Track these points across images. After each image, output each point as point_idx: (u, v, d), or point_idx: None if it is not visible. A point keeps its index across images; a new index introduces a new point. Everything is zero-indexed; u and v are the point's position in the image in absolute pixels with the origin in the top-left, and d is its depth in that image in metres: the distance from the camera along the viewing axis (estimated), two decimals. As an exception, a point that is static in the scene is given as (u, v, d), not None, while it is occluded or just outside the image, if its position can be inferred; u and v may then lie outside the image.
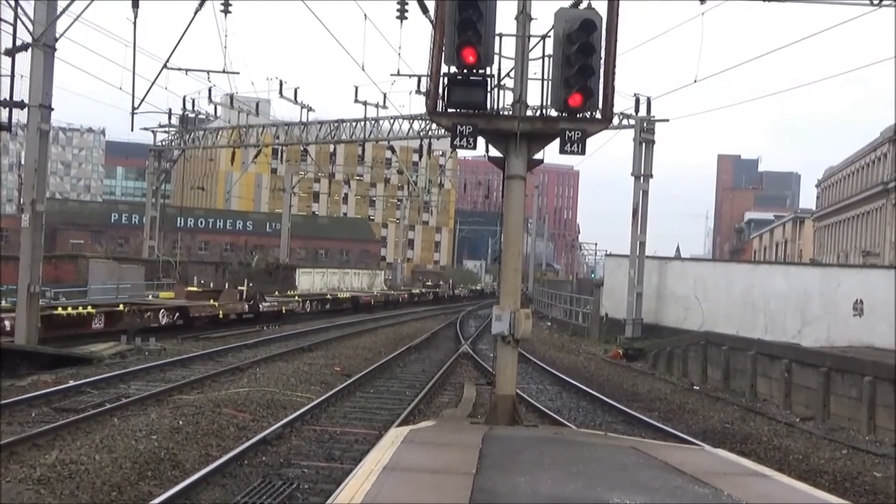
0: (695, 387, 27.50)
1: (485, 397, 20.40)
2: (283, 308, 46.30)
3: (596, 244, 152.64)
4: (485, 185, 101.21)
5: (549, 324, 56.40)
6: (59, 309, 30.24)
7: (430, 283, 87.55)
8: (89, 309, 31.04)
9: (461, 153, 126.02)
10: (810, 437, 19.34)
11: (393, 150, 58.57)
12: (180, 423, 15.76)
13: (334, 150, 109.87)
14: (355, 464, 11.27)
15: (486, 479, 8.27)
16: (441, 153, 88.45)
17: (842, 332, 33.13)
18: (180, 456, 13.46)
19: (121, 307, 33.06)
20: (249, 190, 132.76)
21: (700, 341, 29.78)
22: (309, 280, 63.50)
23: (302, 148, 60.23)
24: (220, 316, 38.99)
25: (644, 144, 39.71)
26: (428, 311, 66.59)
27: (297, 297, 51.19)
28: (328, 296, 57.21)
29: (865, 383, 20.22)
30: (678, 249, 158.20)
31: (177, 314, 36.24)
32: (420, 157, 52.46)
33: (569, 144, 13.67)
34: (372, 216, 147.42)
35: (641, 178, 39.47)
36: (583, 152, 13.76)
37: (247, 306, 42.11)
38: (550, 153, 14.53)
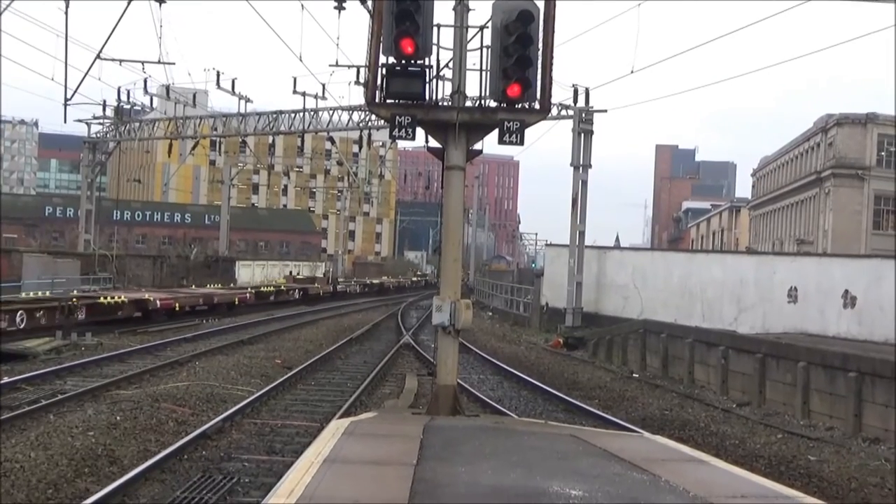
0: (634, 374, 27.80)
1: (426, 388, 20.43)
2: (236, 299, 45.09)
3: (536, 234, 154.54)
4: (425, 175, 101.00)
5: (490, 314, 56.58)
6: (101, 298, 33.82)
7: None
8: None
9: (401, 144, 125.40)
10: (746, 423, 19.68)
11: (332, 142, 58.06)
12: (118, 418, 15.57)
13: (273, 141, 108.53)
14: (296, 457, 11.23)
15: (427, 469, 8.28)
16: (381, 144, 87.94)
17: (777, 319, 33.70)
18: (118, 452, 13.30)
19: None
20: (187, 182, 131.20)
21: (639, 329, 30.14)
22: (249, 273, 62.97)
23: (240, 139, 59.53)
24: (177, 308, 38.36)
25: (583, 135, 39.98)
26: (370, 302, 66.44)
27: (249, 290, 49.88)
28: (270, 287, 56.39)
29: (799, 369, 20.63)
30: (617, 239, 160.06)
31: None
32: (360, 148, 51.91)
33: (508, 135, 13.72)
34: (312, 208, 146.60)
35: (580, 169, 39.74)
36: (522, 143, 13.81)
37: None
38: (490, 144, 14.59)
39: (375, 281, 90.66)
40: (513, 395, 22.34)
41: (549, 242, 51.48)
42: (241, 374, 22.58)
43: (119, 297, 35.26)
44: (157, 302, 37.30)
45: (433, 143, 14.47)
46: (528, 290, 50.00)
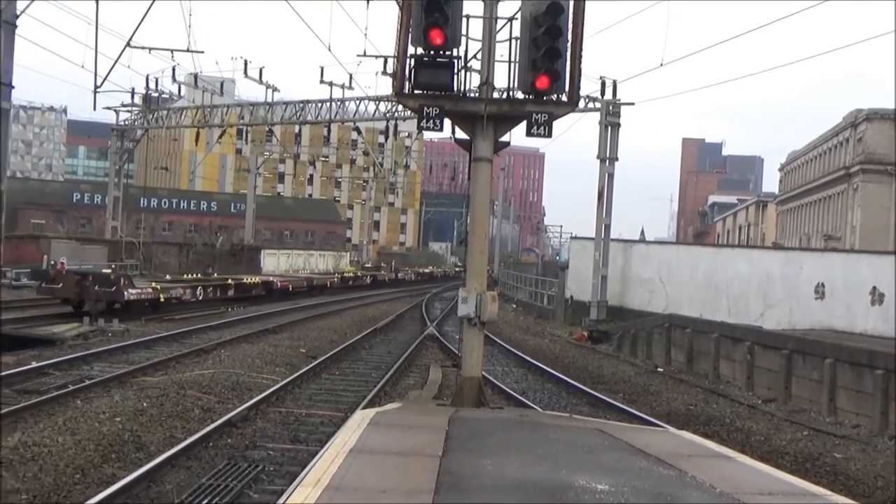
0: (659, 369, 27.72)
1: (451, 379, 20.43)
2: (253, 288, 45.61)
3: (561, 227, 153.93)
4: (451, 166, 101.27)
5: (514, 306, 56.56)
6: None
7: (369, 266, 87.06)
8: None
9: (427, 135, 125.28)
10: (772, 419, 19.56)
11: (359, 132, 58.30)
12: (144, 405, 15.67)
13: (299, 130, 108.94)
14: (321, 446, 11.28)
15: (453, 461, 8.28)
16: (407, 135, 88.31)
17: (803, 315, 33.45)
18: (144, 438, 13.37)
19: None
20: (214, 170, 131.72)
21: (664, 324, 30.01)
22: (274, 261, 63.19)
23: (267, 128, 59.81)
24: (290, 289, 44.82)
25: (609, 127, 39.87)
26: (393, 293, 66.55)
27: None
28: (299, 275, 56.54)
29: (826, 365, 20.47)
30: (643, 232, 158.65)
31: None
32: (386, 138, 52.17)
33: (535, 127, 13.68)
34: (337, 198, 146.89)
35: (607, 161, 39.64)
36: (549, 135, 13.76)
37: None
38: (517, 135, 14.57)
39: (425, 270, 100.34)
40: (537, 387, 22.34)
41: (574, 235, 51.33)
42: (265, 363, 22.66)
43: (254, 279, 47.46)
44: (278, 283, 48.74)
45: (460, 135, 14.45)
46: (552, 282, 49.94)
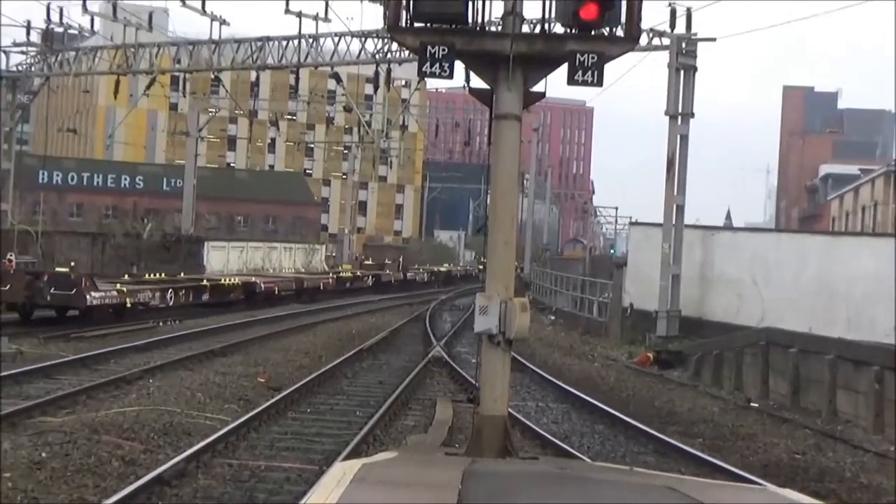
0: (752, 403, 27.73)
1: (465, 419, 20.57)
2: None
3: (616, 209, 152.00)
4: (464, 127, 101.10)
5: (552, 318, 56.65)
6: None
7: (370, 263, 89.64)
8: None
9: (431, 84, 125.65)
10: (911, 474, 19.48)
11: (338, 80, 57.92)
12: (43, 455, 15.69)
13: (257, 78, 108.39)
14: (287, 512, 11.26)
15: (468, 532, 8.25)
16: (404, 84, 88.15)
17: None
18: (43, 501, 13.36)
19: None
20: (139, 134, 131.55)
21: (759, 341, 29.94)
22: (222, 257, 63.33)
23: (212, 76, 59.79)
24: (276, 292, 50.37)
25: (682, 72, 39.75)
26: (386, 300, 66.72)
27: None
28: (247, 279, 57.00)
29: None
30: (729, 216, 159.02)
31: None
32: (375, 89, 52.14)
33: (580, 72, 13.64)
34: (309, 170, 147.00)
35: (679, 119, 39.53)
36: (599, 83, 13.75)
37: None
38: (555, 84, 14.50)
39: (440, 268, 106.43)
40: (584, 430, 22.43)
41: (633, 220, 51.36)
42: (210, 397, 22.77)
43: (233, 280, 52.35)
44: (262, 285, 53.81)
45: (477, 83, 14.47)
46: (604, 285, 49.95)
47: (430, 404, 23.92)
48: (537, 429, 21.16)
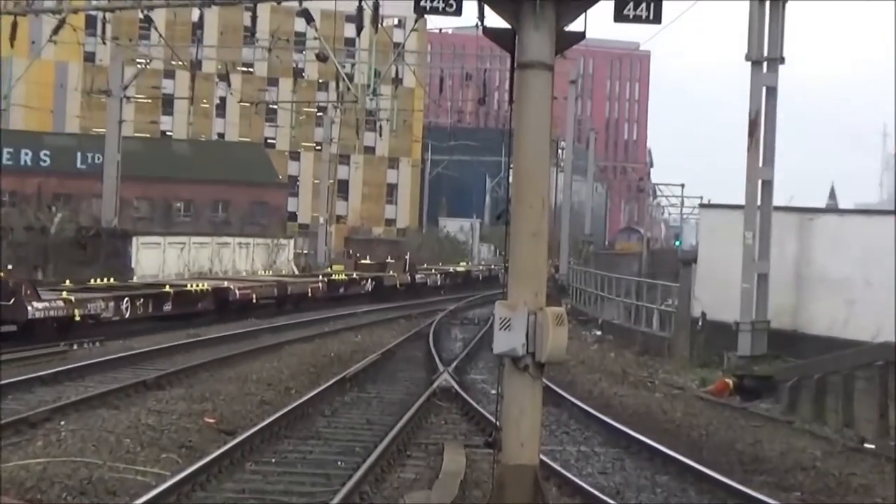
0: (866, 444, 27.62)
1: (482, 470, 20.76)
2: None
3: (682, 187, 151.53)
4: (477, 80, 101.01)
5: (598, 333, 56.96)
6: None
7: (365, 262, 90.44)
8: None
9: (433, 23, 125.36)
10: None
11: (308, 19, 57.66)
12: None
13: (201, 17, 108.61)
14: None
15: None
16: (397, 23, 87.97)
17: None
18: None
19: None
20: (45, 94, 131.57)
21: (875, 361, 29.77)
22: (156, 257, 63.63)
23: (142, 14, 59.43)
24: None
25: (768, 4, 39.41)
26: (376, 312, 66.95)
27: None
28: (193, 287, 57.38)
29: None
30: (833, 194, 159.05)
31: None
32: (359, 31, 51.59)
33: (631, 4, 13.81)
34: (272, 139, 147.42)
35: (764, 66, 39.23)
36: (657, 18, 13.92)
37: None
38: (599, 21, 14.48)
39: (457, 268, 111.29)
40: (642, 482, 22.47)
41: (705, 201, 51.14)
42: (142, 444, 22.75)
43: (202, 286, 54.08)
44: (237, 292, 56.47)
45: (494, 21, 14.47)
46: (667, 288, 50.29)
47: (436, 451, 23.94)
48: (579, 482, 21.07)
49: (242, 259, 72.77)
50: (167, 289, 52.17)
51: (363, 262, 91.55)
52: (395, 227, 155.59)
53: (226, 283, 58.10)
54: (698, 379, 38.61)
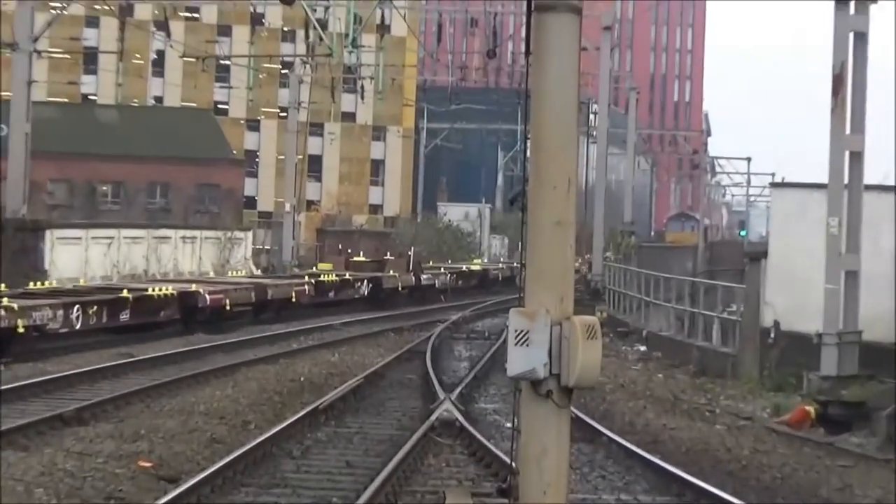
0: None
1: None
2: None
3: (749, 162, 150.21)
4: (485, 26, 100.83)
5: (642, 348, 56.94)
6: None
7: (358, 259, 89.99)
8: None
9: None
10: None
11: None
12: None
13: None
14: None
15: None
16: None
17: None
18: None
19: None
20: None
21: None
22: (76, 255, 63.42)
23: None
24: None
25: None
26: (359, 324, 66.83)
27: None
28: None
29: None
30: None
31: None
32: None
33: None
34: (223, 104, 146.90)
35: (852, 5, 39.40)
36: None
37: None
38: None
39: (472, 266, 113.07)
40: None
41: (777, 179, 51.35)
42: (58, 495, 22.78)
43: (165, 290, 55.68)
44: (207, 297, 57.39)
45: None
46: (730, 290, 50.06)
47: (437, 500, 23.71)
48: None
49: (187, 258, 72.10)
50: (125, 294, 52.63)
51: (356, 259, 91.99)
52: (382, 215, 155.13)
53: (193, 287, 58.81)
54: (770, 406, 38.57)
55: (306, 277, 74.28)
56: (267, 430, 30.36)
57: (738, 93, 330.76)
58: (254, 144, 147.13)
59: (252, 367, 44.73)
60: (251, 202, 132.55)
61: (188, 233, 78.49)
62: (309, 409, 33.85)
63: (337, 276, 78.52)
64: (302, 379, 41.59)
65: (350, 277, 79.78)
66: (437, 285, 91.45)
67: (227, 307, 58.42)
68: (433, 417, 33.28)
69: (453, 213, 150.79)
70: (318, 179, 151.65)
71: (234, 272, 74.23)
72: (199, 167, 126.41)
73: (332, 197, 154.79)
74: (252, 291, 62.97)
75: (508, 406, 32.44)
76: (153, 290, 55.32)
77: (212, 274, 72.40)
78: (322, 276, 76.83)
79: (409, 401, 38.97)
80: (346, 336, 59.58)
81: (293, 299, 67.05)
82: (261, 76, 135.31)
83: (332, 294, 74.53)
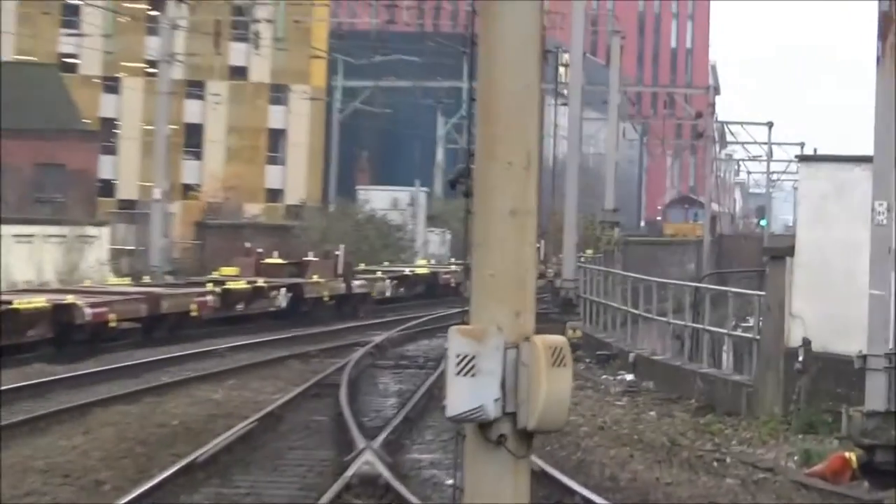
0: None
1: None
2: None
3: (770, 127, 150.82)
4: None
5: (628, 377, 57.01)
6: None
7: (273, 261, 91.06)
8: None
9: None
10: None
11: None
12: None
13: None
14: None
15: None
16: None
17: None
18: None
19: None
20: None
21: None
22: None
23: None
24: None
25: None
26: (248, 349, 67.16)
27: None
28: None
29: None
30: None
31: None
32: None
33: None
34: (72, 57, 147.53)
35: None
36: None
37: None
38: None
39: (418, 270, 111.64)
40: None
41: (807, 151, 51.47)
42: None
43: (37, 301, 56.88)
44: (87, 310, 58.15)
45: None
46: (745, 299, 50.05)
47: None
48: None
49: (22, 261, 72.40)
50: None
51: (270, 261, 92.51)
52: (283, 202, 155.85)
53: (69, 298, 59.57)
54: (798, 453, 38.71)
55: (209, 285, 75.65)
56: (127, 491, 30.24)
57: (755, 37, 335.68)
58: (112, 111, 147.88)
59: (109, 407, 44.93)
60: (108, 188, 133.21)
61: (23, 229, 78.42)
62: (183, 463, 33.84)
63: (248, 282, 79.42)
64: (174, 423, 41.82)
65: (264, 285, 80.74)
66: (373, 294, 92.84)
67: (112, 323, 59.56)
68: (350, 472, 33.26)
69: (377, 199, 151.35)
70: (198, 157, 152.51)
71: (88, 281, 74.37)
72: (38, 141, 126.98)
73: (217, 180, 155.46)
74: (143, 303, 63.76)
75: (449, 456, 32.51)
76: (20, 303, 55.84)
77: (57, 284, 72.39)
78: (228, 283, 77.97)
79: (317, 450, 39.21)
80: (232, 367, 59.48)
81: (193, 313, 68.06)
82: (121, 20, 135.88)
83: (241, 306, 76.43)
